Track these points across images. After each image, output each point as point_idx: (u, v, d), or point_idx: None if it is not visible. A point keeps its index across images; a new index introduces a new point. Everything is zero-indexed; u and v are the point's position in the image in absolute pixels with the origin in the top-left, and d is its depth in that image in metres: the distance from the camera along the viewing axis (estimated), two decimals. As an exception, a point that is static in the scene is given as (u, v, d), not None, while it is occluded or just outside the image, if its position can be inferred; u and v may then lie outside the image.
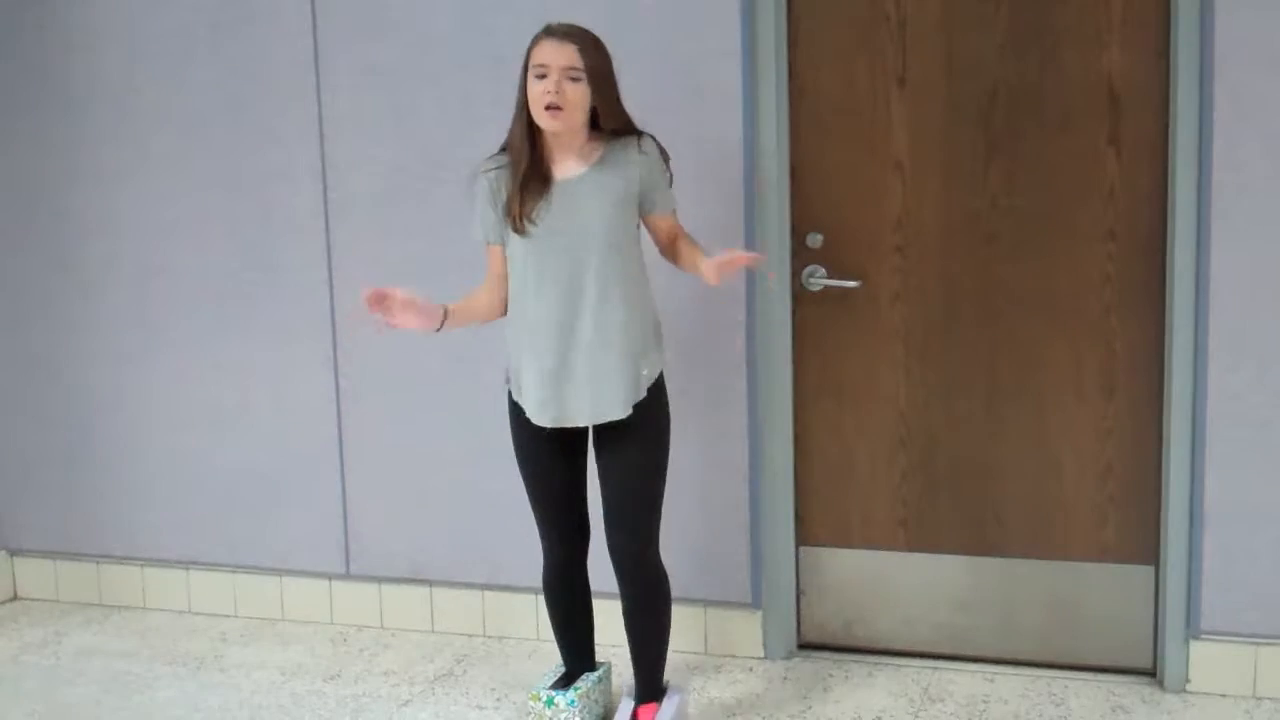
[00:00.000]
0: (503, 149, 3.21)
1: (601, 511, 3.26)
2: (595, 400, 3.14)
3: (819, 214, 3.70)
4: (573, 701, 3.35)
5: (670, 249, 3.28)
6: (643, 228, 3.25)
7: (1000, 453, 3.66)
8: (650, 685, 3.36)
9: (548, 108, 3.06)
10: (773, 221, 3.65)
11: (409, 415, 4.05)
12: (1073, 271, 3.55)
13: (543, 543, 3.38)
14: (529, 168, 3.13)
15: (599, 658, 3.55)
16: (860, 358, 3.72)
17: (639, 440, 3.19)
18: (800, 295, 3.73)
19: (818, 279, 3.70)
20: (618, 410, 3.14)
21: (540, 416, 3.18)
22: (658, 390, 3.22)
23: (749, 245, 3.65)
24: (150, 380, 4.29)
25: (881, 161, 3.64)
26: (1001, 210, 3.58)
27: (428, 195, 3.93)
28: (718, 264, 3.05)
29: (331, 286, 4.06)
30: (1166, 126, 3.42)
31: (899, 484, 3.74)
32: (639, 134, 3.18)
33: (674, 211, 3.27)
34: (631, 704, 3.36)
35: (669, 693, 3.40)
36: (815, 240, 3.70)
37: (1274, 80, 3.30)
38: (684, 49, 3.65)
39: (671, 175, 3.23)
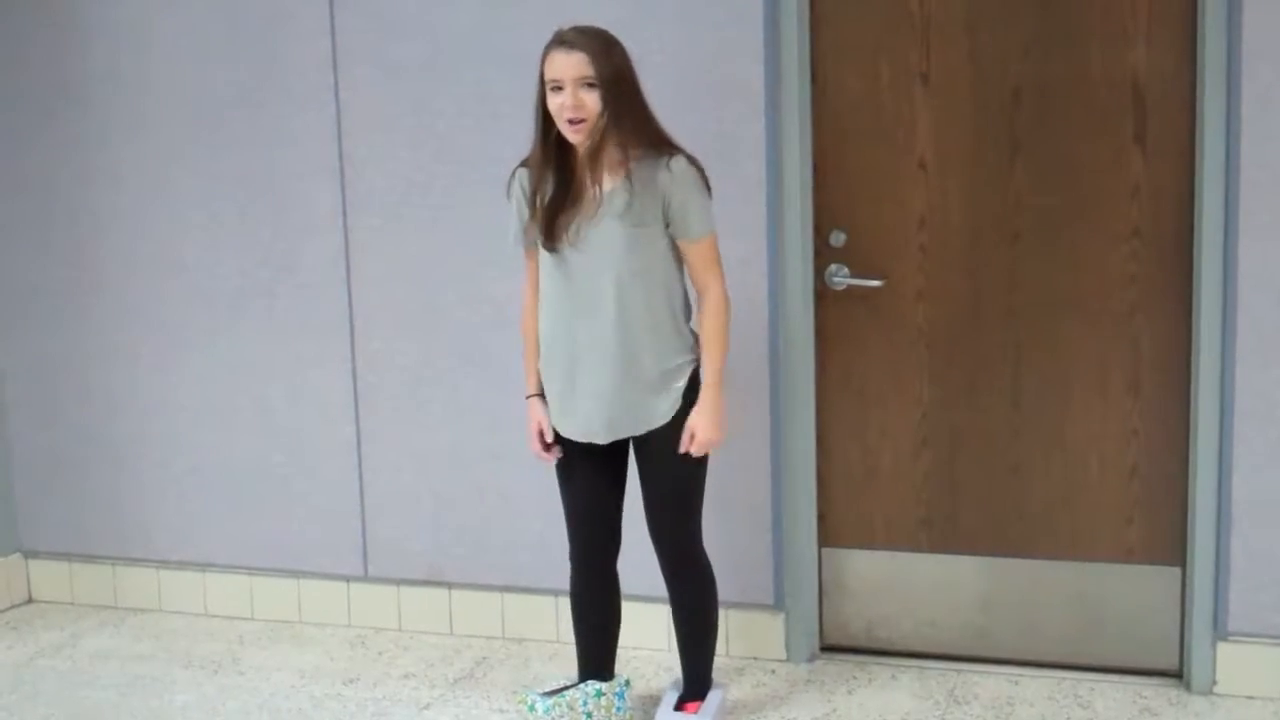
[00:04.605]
0: None
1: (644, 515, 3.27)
2: (613, 418, 3.14)
3: (842, 212, 3.67)
4: (548, 709, 3.25)
5: (697, 282, 3.16)
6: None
7: (1024, 453, 3.63)
8: (693, 681, 3.35)
9: (570, 121, 2.98)
10: (795, 220, 3.62)
11: (427, 416, 4.02)
12: (1098, 270, 3.52)
13: (570, 547, 3.32)
14: (558, 183, 3.07)
15: (635, 663, 3.49)
16: (883, 357, 3.70)
17: (676, 444, 3.15)
18: (823, 294, 3.70)
19: (841, 278, 3.68)
20: (638, 426, 3.14)
21: (562, 426, 3.21)
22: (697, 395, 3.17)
23: (771, 243, 3.63)
24: (166, 380, 4.27)
25: (905, 160, 3.61)
26: (1026, 209, 3.55)
27: (446, 193, 3.91)
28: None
29: (349, 285, 4.03)
30: (1193, 124, 3.40)
31: (922, 484, 3.71)
32: (671, 153, 3.07)
33: (704, 240, 3.11)
34: (675, 696, 3.35)
35: (713, 689, 3.38)
36: (838, 239, 3.68)
37: (1302, 77, 3.28)
38: (706, 46, 3.63)
39: (705, 198, 3.10)
